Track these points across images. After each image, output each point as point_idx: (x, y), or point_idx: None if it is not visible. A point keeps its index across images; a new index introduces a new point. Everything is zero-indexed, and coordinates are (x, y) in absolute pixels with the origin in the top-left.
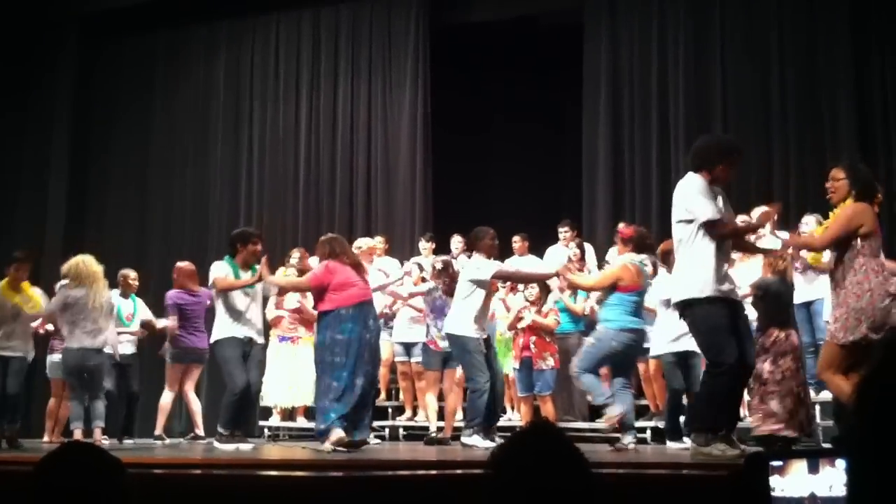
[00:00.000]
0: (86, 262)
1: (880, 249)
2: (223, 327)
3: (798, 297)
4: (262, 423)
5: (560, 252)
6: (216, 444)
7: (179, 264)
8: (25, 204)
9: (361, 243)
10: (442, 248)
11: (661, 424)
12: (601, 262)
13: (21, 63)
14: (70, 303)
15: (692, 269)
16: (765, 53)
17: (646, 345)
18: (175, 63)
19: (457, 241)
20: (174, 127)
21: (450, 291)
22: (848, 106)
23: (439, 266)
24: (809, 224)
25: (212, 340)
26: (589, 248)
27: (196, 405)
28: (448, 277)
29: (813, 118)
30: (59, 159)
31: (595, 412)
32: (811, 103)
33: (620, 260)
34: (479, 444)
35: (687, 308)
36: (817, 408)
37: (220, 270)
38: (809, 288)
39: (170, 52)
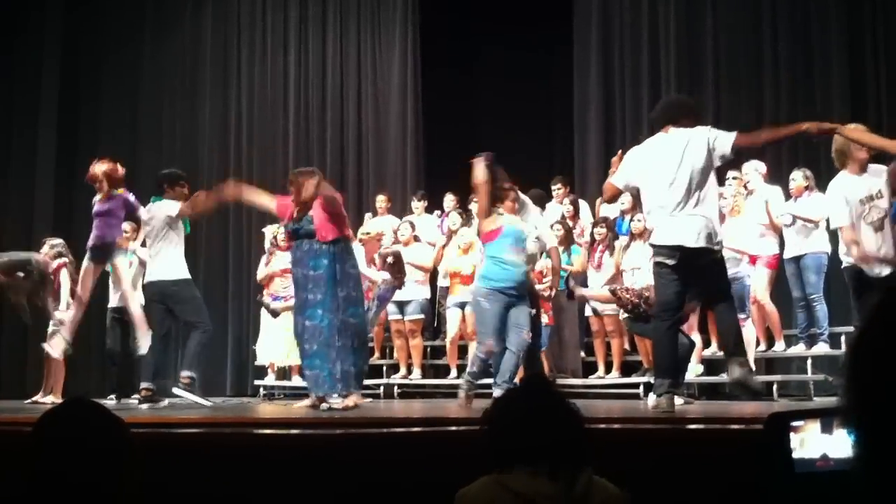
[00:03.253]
0: None
1: None
2: (182, 266)
3: (789, 252)
4: (257, 382)
5: (555, 209)
6: (183, 393)
7: None
8: (16, 152)
9: (370, 229)
10: (434, 206)
11: (653, 380)
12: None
13: (8, 11)
14: None
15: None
16: (756, 2)
17: None
18: (163, 12)
19: (449, 200)
20: (163, 77)
21: (399, 285)
22: (840, 55)
23: (390, 260)
24: (797, 179)
25: (175, 278)
26: (583, 205)
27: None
28: (398, 272)
29: (805, 69)
30: (48, 106)
31: (588, 369)
32: (803, 54)
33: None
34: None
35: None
36: (808, 362)
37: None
38: (800, 242)
39: (157, 1)
